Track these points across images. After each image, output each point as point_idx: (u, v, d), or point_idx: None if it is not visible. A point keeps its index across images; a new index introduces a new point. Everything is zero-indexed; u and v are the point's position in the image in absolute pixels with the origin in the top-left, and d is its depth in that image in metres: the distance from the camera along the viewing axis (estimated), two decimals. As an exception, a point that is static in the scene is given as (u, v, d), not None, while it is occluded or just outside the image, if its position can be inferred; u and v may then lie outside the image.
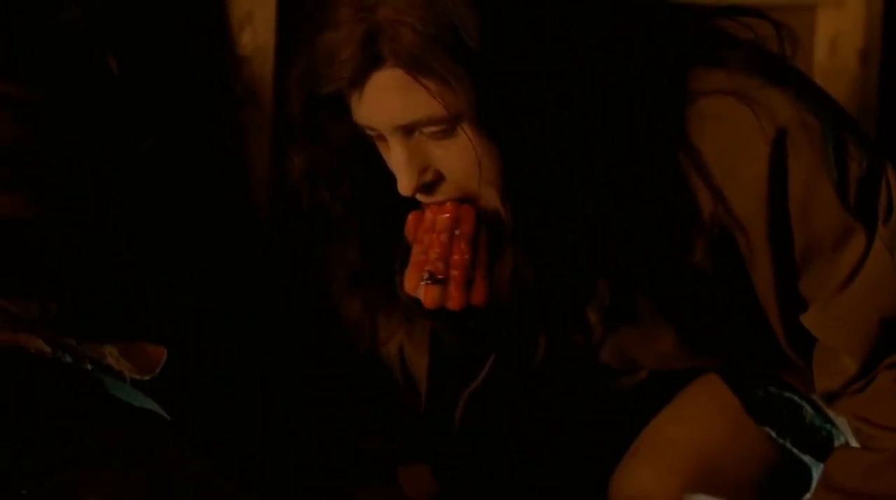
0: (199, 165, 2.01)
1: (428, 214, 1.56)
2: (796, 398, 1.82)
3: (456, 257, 1.56)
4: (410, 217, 1.58)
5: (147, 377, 1.61)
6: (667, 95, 1.55)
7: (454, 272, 1.57)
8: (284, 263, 2.00)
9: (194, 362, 1.75)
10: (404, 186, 1.53)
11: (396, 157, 1.52)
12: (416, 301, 1.59)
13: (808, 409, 1.82)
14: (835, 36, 2.36)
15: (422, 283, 1.57)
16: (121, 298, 1.72)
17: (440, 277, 1.56)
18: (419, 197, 1.55)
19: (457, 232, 1.55)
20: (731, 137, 1.54)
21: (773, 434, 1.79)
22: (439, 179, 1.54)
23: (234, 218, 2.04)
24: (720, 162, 1.55)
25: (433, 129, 1.50)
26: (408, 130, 1.51)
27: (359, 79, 1.48)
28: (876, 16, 2.35)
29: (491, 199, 1.54)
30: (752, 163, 1.54)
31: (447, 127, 1.49)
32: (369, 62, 1.47)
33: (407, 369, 1.77)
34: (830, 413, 1.81)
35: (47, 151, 1.70)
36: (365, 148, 1.58)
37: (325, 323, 1.78)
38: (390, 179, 1.56)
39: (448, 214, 1.55)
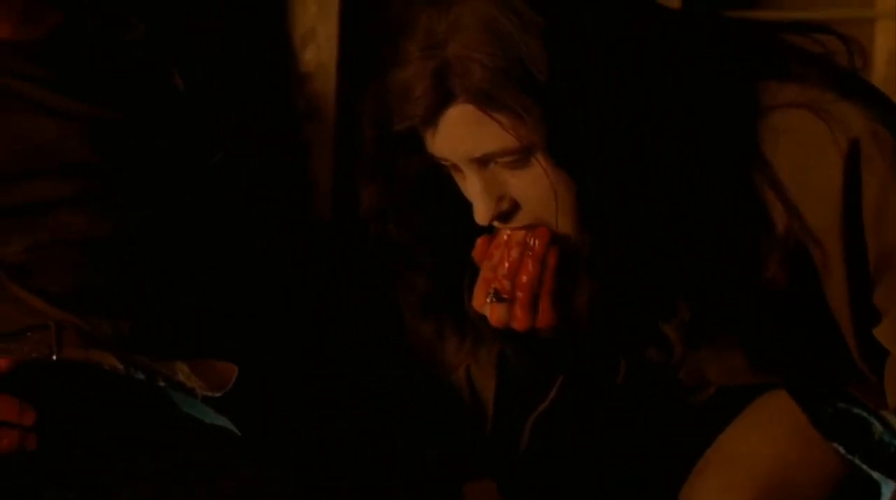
0: (265, 181, 2.02)
1: (504, 231, 1.56)
2: (865, 414, 1.81)
3: (523, 277, 1.56)
4: (479, 240, 1.58)
5: (218, 394, 1.62)
6: (738, 111, 1.55)
7: (519, 294, 1.56)
8: (350, 279, 2.00)
9: (265, 379, 1.75)
10: (481, 215, 1.53)
11: (473, 187, 1.53)
12: (484, 318, 1.59)
13: (877, 425, 1.80)
14: (894, 48, 2.36)
15: (487, 300, 1.57)
16: (191, 314, 1.73)
17: (505, 295, 1.56)
18: (496, 225, 1.56)
19: (528, 252, 1.55)
20: (805, 150, 1.55)
21: (842, 450, 1.78)
22: (515, 207, 1.54)
23: (299, 233, 2.05)
24: (794, 175, 1.55)
25: (507, 159, 1.51)
26: (483, 161, 1.52)
27: (432, 116, 1.49)
28: (935, 27, 2.35)
29: (566, 227, 1.54)
30: (827, 175, 1.54)
31: (521, 157, 1.50)
32: (441, 99, 1.48)
33: (474, 391, 1.77)
34: (899, 429, 1.80)
35: (116, 169, 1.71)
36: (437, 179, 1.59)
37: (395, 342, 1.79)
38: (462, 209, 1.57)
39: (523, 230, 1.55)
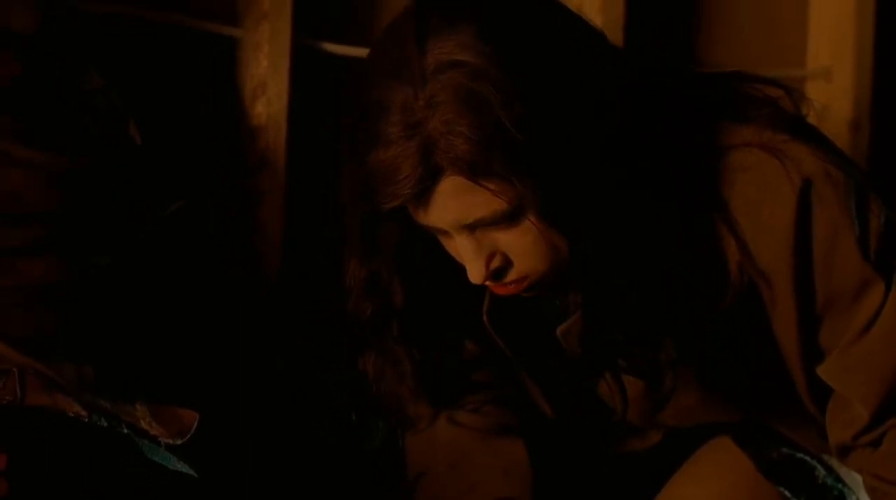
0: (217, 232, 2.03)
1: None
2: (808, 459, 1.85)
3: None
4: None
5: (179, 441, 1.63)
6: (699, 150, 1.59)
7: None
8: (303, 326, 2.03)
9: (225, 426, 1.76)
10: (475, 275, 1.54)
11: (465, 249, 1.53)
12: None
13: (820, 469, 1.85)
14: (825, 107, 2.41)
15: None
16: (153, 360, 1.74)
17: None
18: (488, 283, 1.57)
19: None
20: (760, 188, 1.58)
21: (788, 494, 1.82)
22: (507, 263, 1.55)
23: (248, 286, 2.06)
24: (747, 212, 1.59)
25: (498, 221, 1.52)
26: (473, 227, 1.53)
27: (422, 191, 1.49)
28: (865, 87, 2.42)
29: (552, 274, 1.56)
30: (780, 212, 1.58)
31: (511, 218, 1.51)
32: (428, 175, 1.48)
33: None
34: (841, 472, 1.84)
35: (77, 217, 1.73)
36: (420, 246, 1.61)
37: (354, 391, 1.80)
38: (446, 267, 1.59)
39: None
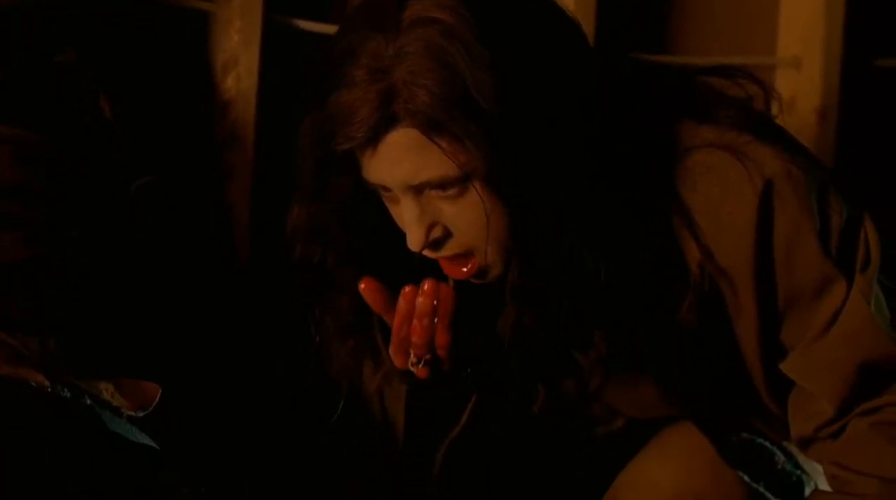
0: (186, 207, 2.03)
1: (403, 303, 1.58)
2: (767, 445, 1.86)
3: (440, 340, 1.60)
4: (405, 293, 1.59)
5: (141, 414, 1.63)
6: (658, 149, 1.60)
7: (441, 352, 1.60)
8: (267, 303, 2.02)
9: (187, 399, 1.76)
10: (414, 242, 1.55)
11: (408, 214, 1.55)
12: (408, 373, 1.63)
13: (780, 455, 1.86)
14: (793, 96, 2.43)
15: (411, 366, 1.61)
16: (116, 334, 1.74)
17: (428, 357, 1.60)
18: (426, 253, 1.58)
19: (436, 320, 1.58)
20: (722, 189, 1.59)
21: (747, 478, 1.84)
22: (447, 235, 1.57)
23: (218, 259, 2.06)
24: (708, 212, 1.60)
25: (444, 187, 1.53)
26: (419, 189, 1.54)
27: (374, 137, 1.51)
28: (833, 76, 2.43)
29: (495, 253, 1.57)
30: (741, 213, 1.59)
31: (458, 185, 1.53)
32: (384, 122, 1.50)
33: (386, 416, 1.80)
34: (800, 459, 1.86)
35: (46, 191, 1.72)
36: (368, 202, 1.61)
37: (310, 364, 1.80)
38: (390, 231, 1.59)
39: (427, 299, 1.58)
